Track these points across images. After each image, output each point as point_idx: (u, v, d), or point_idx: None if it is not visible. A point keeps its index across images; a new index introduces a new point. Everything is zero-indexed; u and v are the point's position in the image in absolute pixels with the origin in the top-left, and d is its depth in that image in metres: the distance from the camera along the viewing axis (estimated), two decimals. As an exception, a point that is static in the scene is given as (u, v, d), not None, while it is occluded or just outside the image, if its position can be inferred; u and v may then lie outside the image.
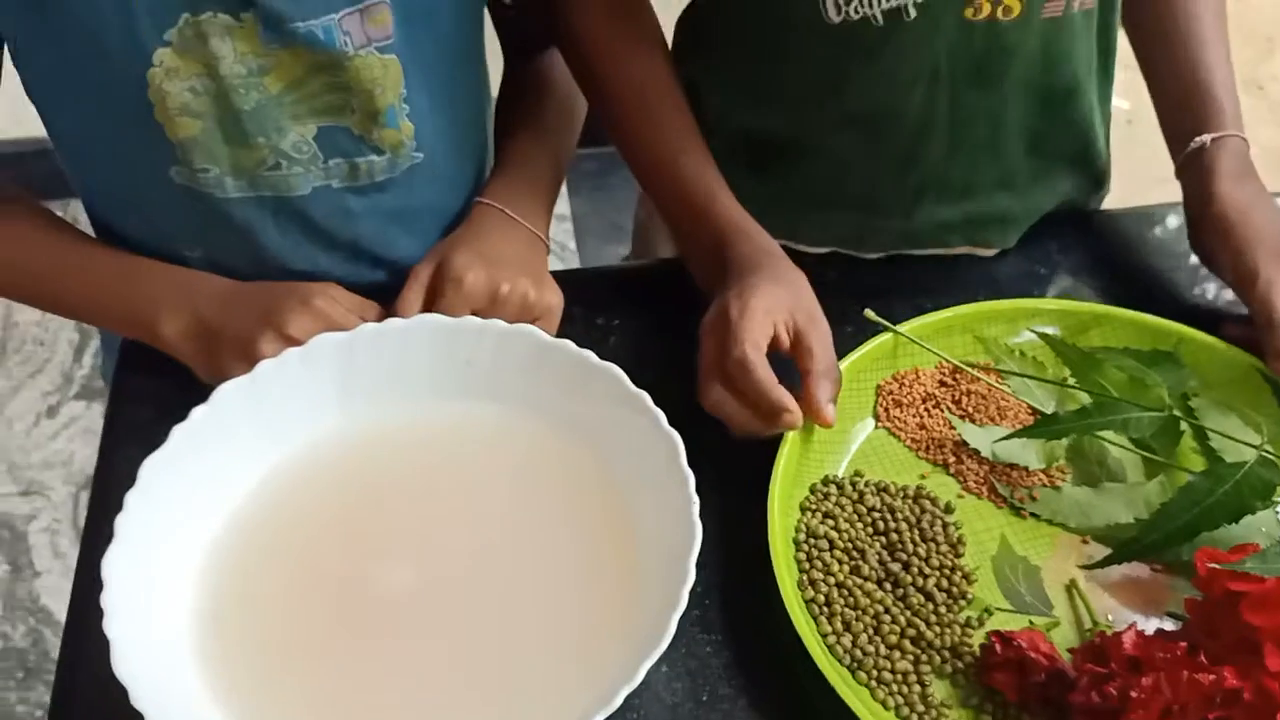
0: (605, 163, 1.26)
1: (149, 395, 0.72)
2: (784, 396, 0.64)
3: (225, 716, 0.54)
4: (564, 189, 1.92)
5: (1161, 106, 0.82)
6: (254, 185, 0.72)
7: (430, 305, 0.71)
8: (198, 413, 0.60)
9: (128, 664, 0.51)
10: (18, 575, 1.58)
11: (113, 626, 0.52)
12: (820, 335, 0.67)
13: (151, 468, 0.58)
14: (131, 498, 0.57)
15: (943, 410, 0.72)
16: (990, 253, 0.85)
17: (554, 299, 0.73)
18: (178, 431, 0.59)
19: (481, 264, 0.71)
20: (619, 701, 0.50)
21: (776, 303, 0.67)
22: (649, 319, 0.78)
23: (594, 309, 0.78)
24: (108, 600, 0.53)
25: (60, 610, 1.53)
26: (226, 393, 0.61)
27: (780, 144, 0.82)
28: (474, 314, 0.68)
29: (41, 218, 0.74)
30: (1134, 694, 0.53)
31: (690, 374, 0.68)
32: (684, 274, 0.77)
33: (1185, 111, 0.80)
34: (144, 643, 0.53)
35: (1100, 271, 0.84)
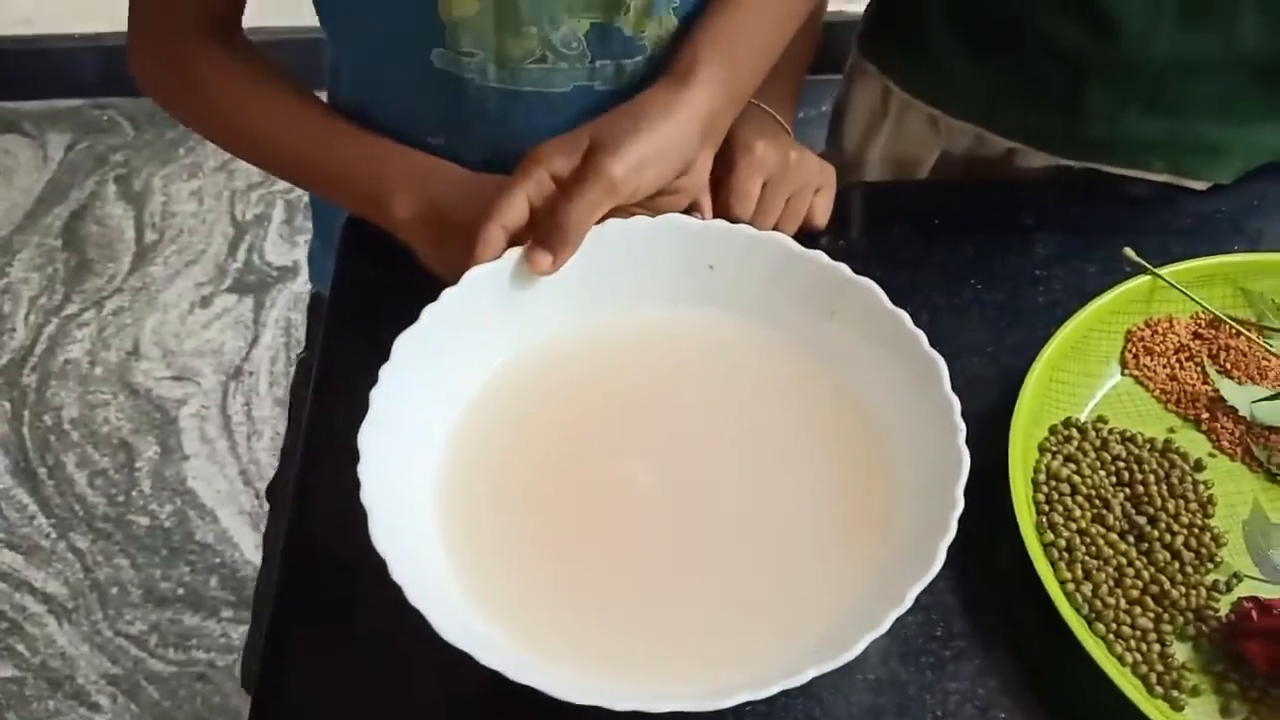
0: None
1: (368, 281, 0.74)
2: None
3: (466, 594, 0.55)
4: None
5: None
6: (515, 77, 0.70)
7: (719, 182, 0.70)
8: (448, 295, 0.60)
9: (385, 535, 0.52)
10: (167, 457, 1.62)
11: (371, 498, 0.53)
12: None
13: (404, 345, 0.58)
14: (385, 372, 0.57)
15: (1197, 363, 0.68)
16: (1199, 185, 0.79)
17: (833, 169, 0.72)
18: (428, 312, 0.59)
19: (763, 136, 0.71)
20: (887, 624, 0.49)
21: None
22: (870, 241, 0.76)
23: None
24: (365, 471, 0.54)
25: (206, 494, 1.58)
26: (476, 278, 0.61)
27: (996, 22, 0.78)
28: (765, 184, 0.69)
29: (297, 93, 0.74)
30: None
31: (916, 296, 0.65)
32: (914, 196, 0.74)
33: None
34: (395, 520, 0.54)
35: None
